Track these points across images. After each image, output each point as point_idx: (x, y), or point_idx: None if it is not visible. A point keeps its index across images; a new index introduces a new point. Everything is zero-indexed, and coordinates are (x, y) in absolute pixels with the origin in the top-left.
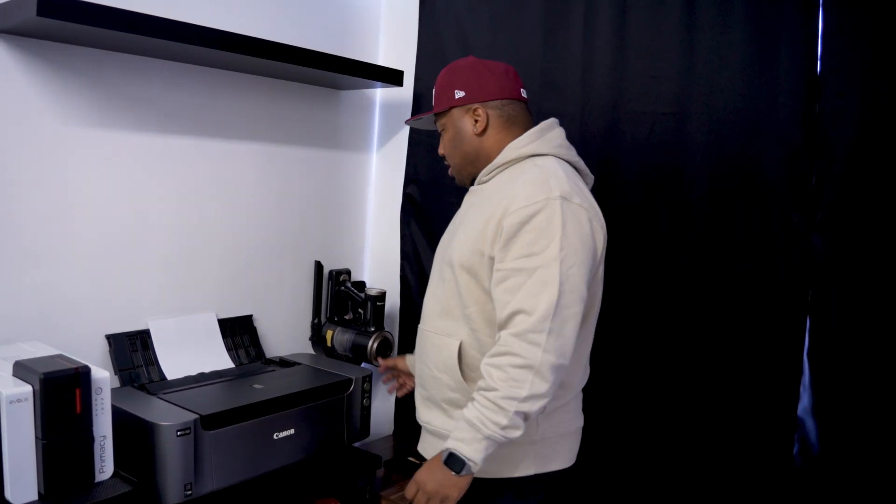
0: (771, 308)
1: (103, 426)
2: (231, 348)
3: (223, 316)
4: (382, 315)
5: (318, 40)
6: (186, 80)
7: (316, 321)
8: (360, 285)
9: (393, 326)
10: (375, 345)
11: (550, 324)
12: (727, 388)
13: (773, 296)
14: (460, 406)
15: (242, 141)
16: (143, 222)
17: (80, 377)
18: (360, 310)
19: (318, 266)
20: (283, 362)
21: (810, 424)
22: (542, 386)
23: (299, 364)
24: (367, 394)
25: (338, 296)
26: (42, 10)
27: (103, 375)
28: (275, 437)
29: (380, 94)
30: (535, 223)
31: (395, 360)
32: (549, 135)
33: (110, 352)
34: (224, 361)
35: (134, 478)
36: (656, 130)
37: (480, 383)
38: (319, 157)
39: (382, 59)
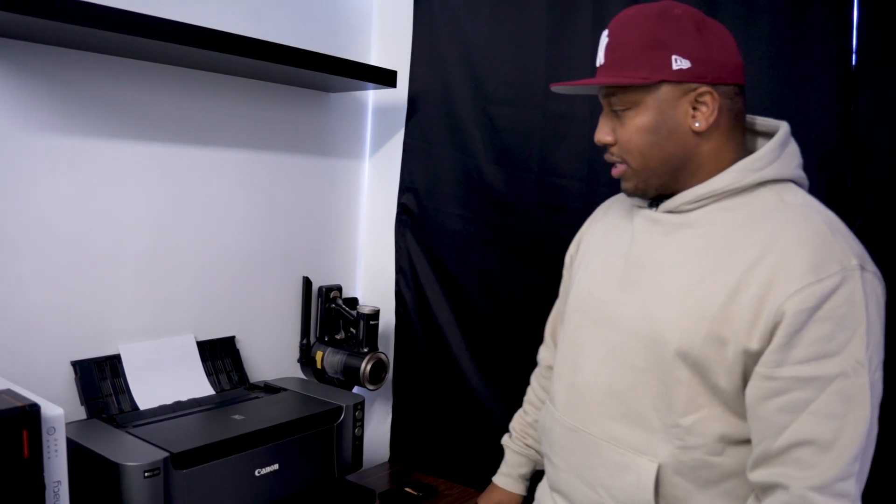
0: None
1: (57, 471)
2: (211, 373)
3: (203, 338)
4: (376, 335)
5: (306, 39)
6: (161, 82)
7: (304, 342)
8: (353, 302)
9: (388, 346)
10: (369, 367)
11: (861, 462)
12: None
13: None
14: None
15: (222, 147)
16: (112, 237)
17: (27, 416)
18: (352, 329)
19: (307, 282)
20: (268, 388)
21: None
22: None
23: (285, 390)
24: (360, 422)
25: (328, 314)
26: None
27: (56, 413)
28: (256, 473)
29: (372, 96)
30: (830, 309)
31: None
32: (789, 150)
33: (76, 380)
34: (203, 388)
35: None
36: None
37: None
38: (307, 165)
39: (375, 60)
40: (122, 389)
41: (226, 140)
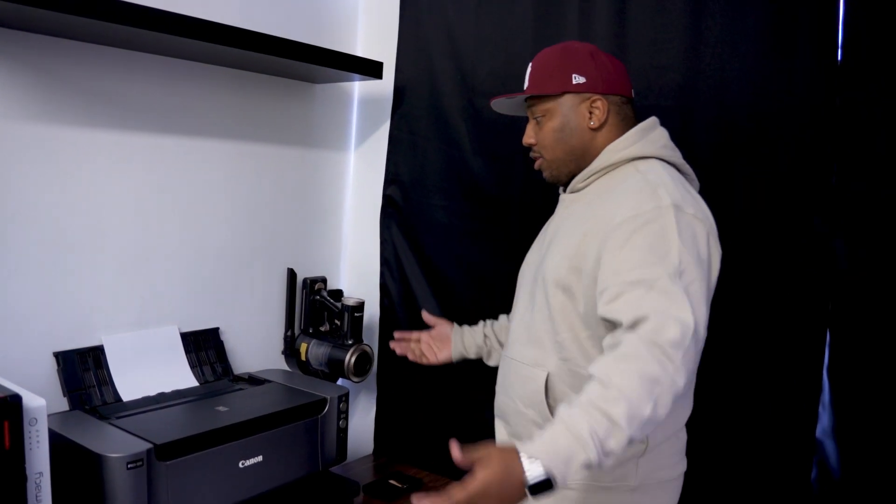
0: (788, 320)
1: (39, 462)
2: (195, 365)
3: (186, 329)
4: (361, 327)
5: (293, 29)
6: (146, 71)
7: (289, 333)
8: (337, 294)
9: (372, 338)
10: (353, 359)
11: (689, 341)
12: (738, 408)
13: (790, 307)
14: None
15: (207, 138)
16: (96, 227)
17: (8, 407)
18: (336, 321)
19: (291, 274)
20: (252, 380)
21: (830, 447)
22: (661, 411)
23: (270, 382)
24: (344, 414)
25: (313, 306)
26: None
27: (38, 404)
28: (240, 465)
29: (358, 87)
30: (646, 233)
31: (436, 320)
32: (652, 135)
33: (59, 371)
34: (187, 380)
35: None
36: None
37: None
38: (292, 156)
39: (361, 51)
40: (106, 381)
41: (210, 130)
